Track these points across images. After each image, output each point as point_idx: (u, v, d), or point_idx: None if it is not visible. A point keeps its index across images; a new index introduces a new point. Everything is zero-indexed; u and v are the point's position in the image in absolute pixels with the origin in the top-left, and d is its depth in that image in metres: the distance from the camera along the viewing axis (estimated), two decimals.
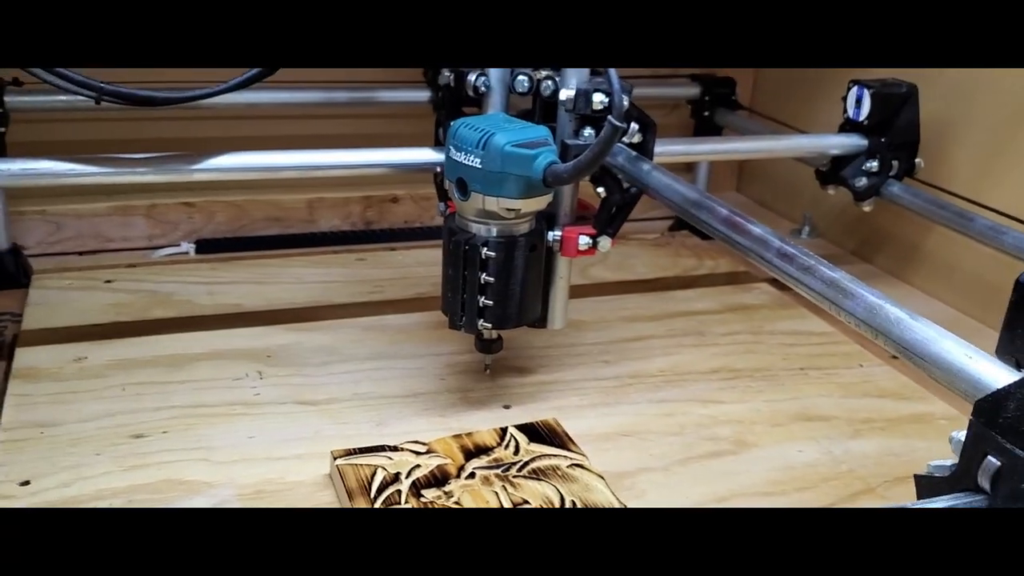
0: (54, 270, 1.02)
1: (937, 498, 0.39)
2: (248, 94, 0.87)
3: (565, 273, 0.81)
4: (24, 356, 0.83)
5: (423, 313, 0.96)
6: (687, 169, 1.29)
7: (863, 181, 0.95)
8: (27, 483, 0.67)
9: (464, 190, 0.72)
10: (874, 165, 0.95)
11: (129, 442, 0.72)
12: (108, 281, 0.99)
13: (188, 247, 1.11)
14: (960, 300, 1.00)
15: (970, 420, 0.40)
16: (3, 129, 0.93)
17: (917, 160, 0.96)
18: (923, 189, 0.96)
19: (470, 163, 0.70)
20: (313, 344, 0.89)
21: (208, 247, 1.11)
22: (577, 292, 1.03)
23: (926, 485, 0.41)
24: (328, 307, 0.97)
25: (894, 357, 0.94)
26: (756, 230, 0.58)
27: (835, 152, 0.97)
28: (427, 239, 1.19)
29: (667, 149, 0.86)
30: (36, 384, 0.79)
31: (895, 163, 0.95)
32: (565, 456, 0.71)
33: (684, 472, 0.74)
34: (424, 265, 1.09)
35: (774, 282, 1.10)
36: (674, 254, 1.17)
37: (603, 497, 0.67)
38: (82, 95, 0.66)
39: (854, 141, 0.96)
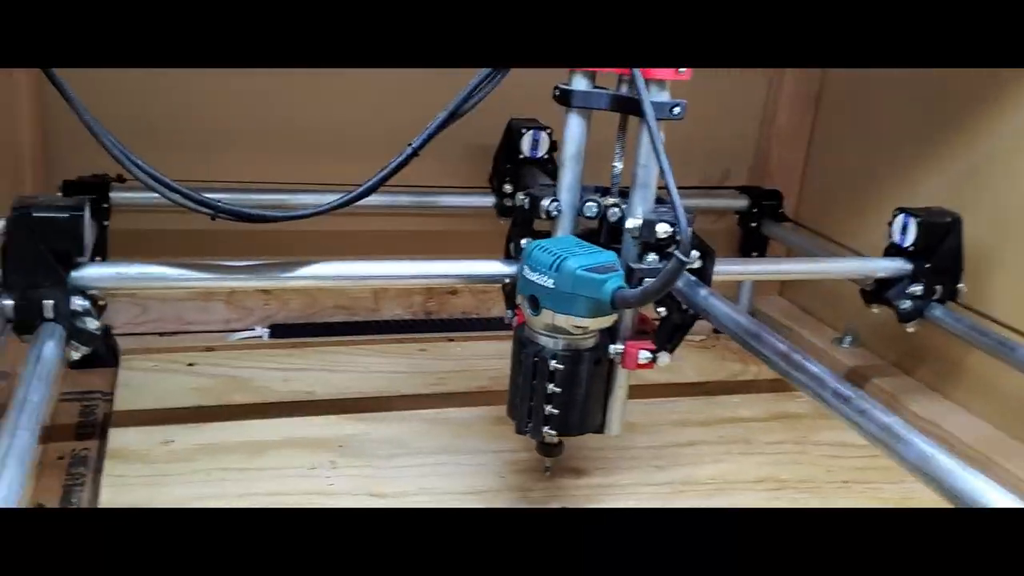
0: (139, 350, 1.09)
1: None
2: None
3: (624, 383, 0.86)
4: (117, 437, 0.89)
5: (484, 407, 1.01)
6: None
7: (907, 304, 1.00)
8: None
9: (536, 306, 0.78)
10: (918, 289, 1.00)
11: None
12: (190, 364, 1.06)
13: (262, 331, 1.18)
14: (1000, 418, 1.03)
15: None
16: (106, 223, 1.01)
17: (960, 286, 1.00)
18: (965, 314, 1.01)
19: (543, 283, 0.76)
20: (381, 436, 0.95)
21: (280, 331, 1.18)
22: (629, 393, 1.08)
23: None
24: (394, 398, 1.03)
25: None
26: (813, 368, 0.63)
27: (880, 275, 1.02)
28: (484, 330, 1.25)
29: (721, 269, 0.91)
30: (128, 465, 0.85)
31: (938, 288, 1.00)
32: None
33: None
34: (483, 358, 1.15)
35: None
36: (720, 357, 1.22)
37: None
38: (200, 212, 0.74)
39: (899, 265, 1.01)
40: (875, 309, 1.05)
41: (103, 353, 1.05)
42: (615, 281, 0.75)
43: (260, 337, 1.17)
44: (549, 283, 0.76)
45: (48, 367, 0.68)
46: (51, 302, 0.73)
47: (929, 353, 1.13)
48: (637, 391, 1.09)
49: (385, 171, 0.76)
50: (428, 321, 1.26)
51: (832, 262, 1.04)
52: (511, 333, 0.86)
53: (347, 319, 1.22)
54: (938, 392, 1.12)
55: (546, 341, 0.79)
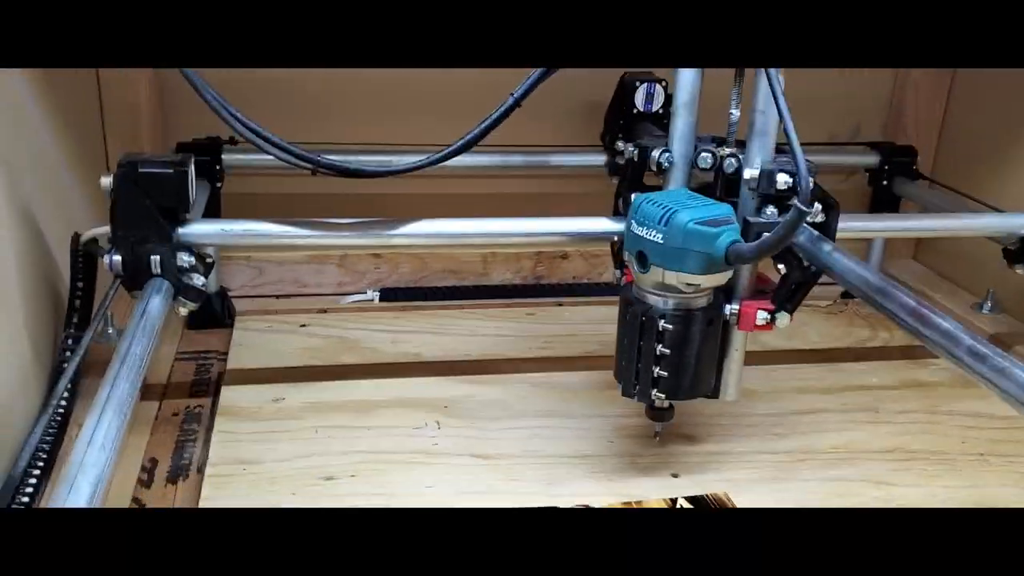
0: (255, 312, 1.11)
1: None
2: None
3: (740, 346, 0.82)
4: (229, 395, 0.91)
5: (591, 372, 0.98)
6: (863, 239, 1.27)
7: None
8: None
9: (644, 263, 0.74)
10: None
11: (320, 484, 0.78)
12: (303, 325, 1.07)
13: (373, 294, 1.18)
14: None
15: None
16: (219, 184, 1.03)
17: None
18: None
19: (651, 238, 0.73)
20: (486, 397, 0.93)
21: (390, 295, 1.18)
22: (748, 359, 1.03)
23: None
24: (500, 360, 1.01)
25: None
26: (945, 324, 0.57)
27: None
28: (595, 295, 1.22)
29: (847, 225, 0.85)
30: (239, 422, 0.86)
31: None
32: None
33: None
34: (592, 323, 1.12)
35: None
36: (847, 323, 1.15)
37: None
38: (300, 167, 0.73)
39: None
40: (1020, 270, 0.97)
41: (219, 314, 1.07)
42: (730, 235, 0.71)
43: (371, 300, 1.17)
44: (658, 238, 0.72)
45: (153, 321, 0.68)
46: (157, 257, 0.74)
47: None
48: (757, 357, 1.04)
49: (487, 121, 0.74)
50: (537, 286, 1.24)
51: (971, 218, 0.96)
52: None
53: (456, 284, 1.21)
54: None
55: (655, 300, 0.76)
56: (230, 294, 1.11)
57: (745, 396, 0.94)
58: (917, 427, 0.91)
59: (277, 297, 1.17)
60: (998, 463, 0.86)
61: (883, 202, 1.20)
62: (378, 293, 1.18)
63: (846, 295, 1.23)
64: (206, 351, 1.02)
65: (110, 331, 0.90)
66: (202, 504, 0.74)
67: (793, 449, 0.87)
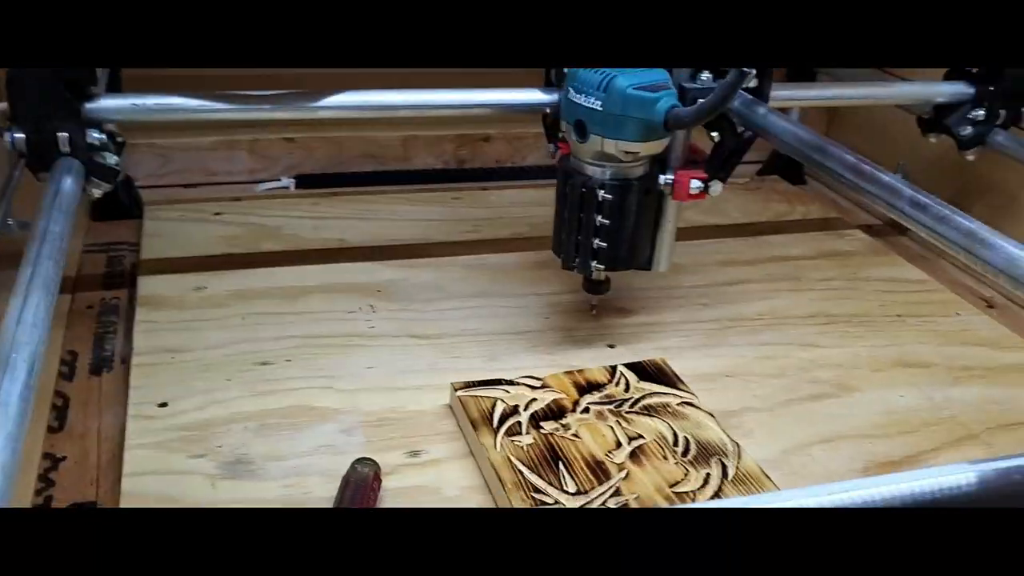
0: (164, 202, 1.05)
1: None
2: None
3: (673, 217, 0.82)
4: (147, 284, 0.87)
5: (522, 253, 0.98)
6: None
7: (968, 130, 0.94)
8: (165, 405, 0.71)
9: (583, 132, 0.73)
10: (980, 114, 0.94)
11: (256, 369, 0.76)
12: (217, 214, 1.03)
13: (288, 182, 1.13)
14: None
15: None
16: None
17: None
18: None
19: (590, 105, 0.71)
20: (419, 281, 0.91)
21: (307, 182, 1.14)
22: None
23: None
24: (430, 245, 0.99)
25: (990, 307, 0.95)
26: (886, 178, 0.58)
27: (941, 100, 0.96)
28: (518, 179, 1.20)
29: (774, 95, 0.85)
30: (161, 312, 0.82)
31: (1002, 112, 0.94)
32: (675, 394, 0.73)
33: (788, 413, 0.75)
34: (519, 205, 1.10)
35: (867, 228, 1.10)
36: (765, 199, 1.17)
37: (714, 434, 0.69)
38: None
39: (961, 89, 0.95)
40: (932, 139, 1.00)
41: (126, 203, 1.02)
42: (668, 100, 0.70)
43: (286, 188, 1.13)
44: (597, 105, 0.71)
45: (68, 200, 0.64)
46: (66, 135, 0.69)
47: (984, 189, 1.08)
48: (680, 233, 1.05)
49: None
50: (461, 170, 1.21)
51: (888, 87, 0.97)
52: (548, 182, 0.82)
53: (376, 169, 1.18)
54: (995, 228, 1.06)
55: (594, 171, 0.75)
56: (135, 184, 1.06)
57: (672, 270, 0.95)
58: (837, 293, 0.95)
59: (185, 187, 1.11)
60: (914, 323, 0.90)
61: (798, 77, 1.20)
62: (294, 180, 1.14)
63: (763, 172, 1.26)
64: (116, 242, 0.97)
65: (10, 222, 0.84)
66: (131, 393, 0.71)
67: (721, 317, 0.89)
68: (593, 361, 0.78)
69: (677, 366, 0.78)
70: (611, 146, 0.72)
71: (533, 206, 1.09)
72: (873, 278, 0.98)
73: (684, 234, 1.04)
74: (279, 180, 1.14)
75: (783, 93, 0.88)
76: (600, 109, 0.71)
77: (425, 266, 0.94)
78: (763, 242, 1.05)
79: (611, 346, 0.83)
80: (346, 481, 0.61)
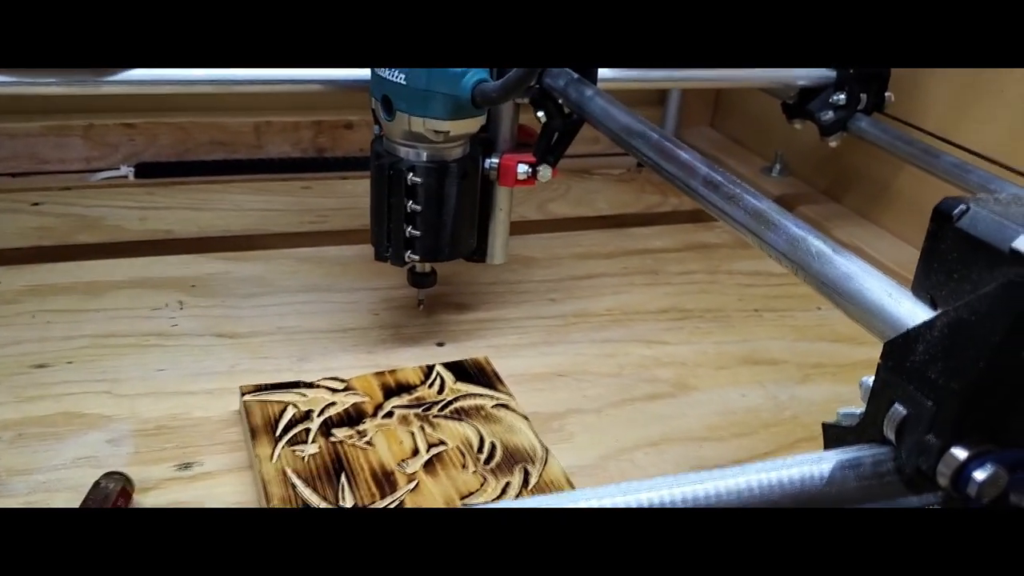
0: None
1: (840, 449, 0.35)
2: None
3: (505, 205, 0.76)
4: None
5: (365, 246, 0.90)
6: (659, 102, 1.23)
7: (830, 115, 0.90)
8: None
9: (390, 109, 0.67)
10: (841, 98, 0.90)
11: (30, 372, 0.68)
12: (35, 204, 0.94)
13: (127, 171, 1.05)
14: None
15: (878, 364, 0.35)
16: None
17: (887, 94, 0.90)
18: (892, 125, 0.91)
19: (395, 79, 0.65)
20: (242, 274, 0.85)
21: (149, 171, 1.06)
22: (532, 228, 0.99)
23: (832, 435, 0.37)
24: (264, 236, 0.93)
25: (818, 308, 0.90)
26: (684, 156, 0.53)
27: (802, 83, 0.91)
28: None
29: (614, 74, 0.80)
30: None
31: (863, 96, 0.90)
32: (491, 396, 0.67)
33: (617, 414, 0.70)
34: None
35: None
36: (638, 190, 1.12)
37: (525, 439, 0.63)
38: None
39: (822, 73, 0.90)
40: (798, 125, 0.95)
41: None
42: (476, 74, 0.64)
43: (125, 177, 1.05)
44: (401, 79, 0.65)
45: None
46: None
47: (858, 178, 1.04)
48: (542, 225, 1.00)
49: None
50: (320, 159, 1.14)
51: (746, 70, 0.93)
52: None
53: (226, 157, 1.10)
54: (867, 218, 1.03)
55: (405, 152, 0.69)
56: None
57: (523, 263, 0.90)
58: (695, 287, 0.90)
59: (13, 176, 1.03)
60: (771, 317, 0.85)
61: None
62: (132, 169, 1.06)
63: (641, 164, 1.21)
64: None
65: None
66: None
67: (566, 313, 0.83)
68: (416, 360, 0.72)
69: (508, 365, 0.72)
70: (418, 124, 0.66)
71: None
72: (736, 271, 0.93)
73: (544, 227, 1.00)
74: (117, 168, 1.06)
75: (626, 73, 0.83)
76: (405, 84, 0.65)
77: (253, 259, 0.87)
78: (626, 234, 0.99)
79: (440, 344, 0.77)
80: (86, 499, 0.54)
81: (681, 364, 0.77)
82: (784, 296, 0.89)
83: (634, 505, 0.33)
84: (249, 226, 0.94)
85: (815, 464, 0.35)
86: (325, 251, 0.91)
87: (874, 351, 0.81)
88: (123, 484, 0.55)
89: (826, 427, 0.38)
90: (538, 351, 0.77)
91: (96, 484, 0.54)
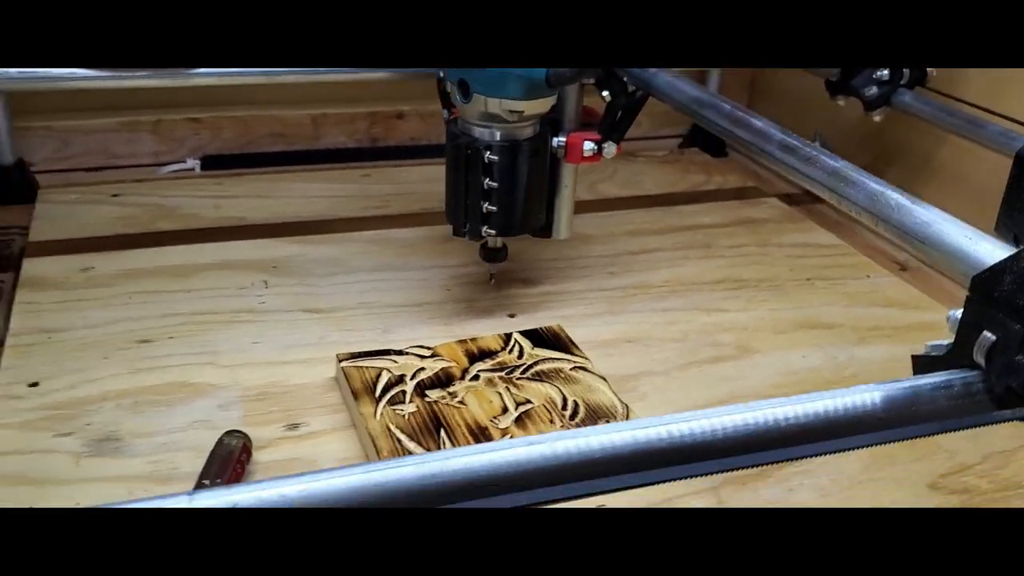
0: (60, 185, 1.02)
1: (931, 375, 0.39)
2: None
3: (570, 181, 0.80)
4: (31, 266, 0.83)
5: (429, 228, 0.96)
6: (699, 81, 1.27)
7: (873, 90, 0.93)
8: (35, 384, 0.68)
9: (466, 92, 0.71)
10: (885, 74, 0.93)
11: (136, 347, 0.73)
12: (115, 195, 0.99)
13: (194, 163, 1.10)
14: (971, 212, 0.98)
15: (967, 296, 0.39)
16: None
17: (929, 68, 0.94)
18: (935, 98, 0.94)
19: None
20: (319, 256, 0.89)
21: (213, 163, 1.11)
22: (585, 208, 1.03)
23: (922, 363, 0.41)
24: (333, 221, 0.97)
25: (903, 270, 0.94)
26: (758, 124, 0.57)
27: None
28: (433, 156, 1.18)
29: None
30: (43, 292, 0.79)
31: (906, 71, 0.93)
32: (568, 359, 0.72)
33: (685, 376, 0.74)
34: (430, 182, 1.08)
35: (785, 197, 1.10)
36: (683, 170, 1.16)
37: (605, 398, 0.67)
38: None
39: None
40: (841, 101, 0.99)
41: (19, 187, 0.98)
42: None
43: (192, 169, 1.10)
44: None
45: None
46: None
47: (900, 153, 1.07)
48: (594, 205, 1.04)
49: None
50: (374, 148, 1.18)
51: None
52: None
53: (285, 149, 1.15)
54: (910, 192, 1.06)
55: (480, 132, 0.73)
56: (32, 169, 1.02)
57: (580, 240, 0.94)
58: (747, 259, 0.93)
59: (87, 170, 1.08)
60: (823, 285, 0.89)
61: None
62: (199, 162, 1.11)
63: (683, 145, 1.25)
64: (5, 227, 0.94)
65: None
66: (2, 373, 0.68)
67: (626, 285, 0.87)
68: (490, 331, 0.76)
69: (577, 334, 0.76)
70: (495, 105, 0.70)
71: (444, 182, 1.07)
72: (786, 244, 0.97)
73: (596, 206, 1.04)
74: (184, 161, 1.10)
75: None
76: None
77: (326, 241, 0.92)
78: (676, 212, 1.03)
79: (512, 315, 0.81)
80: (212, 454, 0.58)
81: (741, 329, 0.81)
82: (834, 266, 0.93)
83: (751, 422, 0.37)
84: (317, 212, 0.98)
85: (908, 385, 0.39)
86: (391, 233, 0.95)
87: (925, 315, 0.85)
88: (244, 441, 0.59)
89: (915, 357, 0.42)
90: (603, 320, 0.81)
91: (220, 441, 0.59)
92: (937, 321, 0.83)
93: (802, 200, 1.10)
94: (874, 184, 0.48)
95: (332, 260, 0.88)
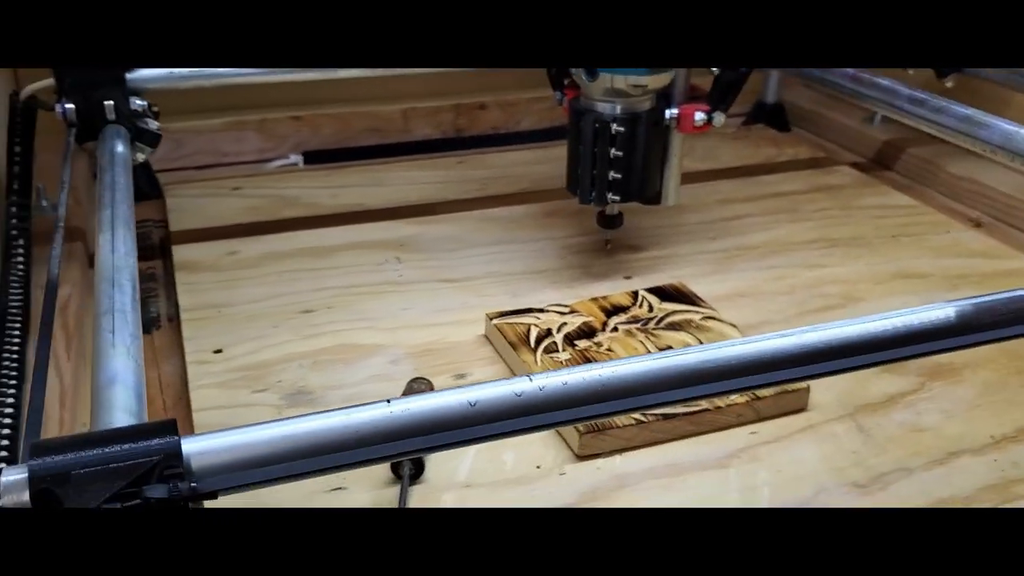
0: (179, 183, 1.09)
1: None
2: None
3: (678, 151, 0.87)
4: (181, 252, 0.90)
5: (531, 205, 1.02)
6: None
7: None
8: (220, 351, 0.75)
9: (592, 71, 0.78)
10: None
11: (300, 316, 0.80)
12: (235, 188, 1.06)
13: (296, 158, 1.17)
14: None
15: None
16: None
17: None
18: None
19: None
20: (438, 234, 0.96)
21: (315, 158, 1.18)
22: None
23: None
24: (441, 203, 1.04)
25: (978, 226, 1.00)
26: (884, 82, 0.64)
27: None
28: (514, 143, 1.25)
29: None
30: (200, 274, 0.86)
31: None
32: (697, 311, 0.78)
33: (803, 323, 0.79)
34: (521, 165, 1.15)
35: (854, 165, 1.16)
36: (754, 145, 1.23)
37: None
38: None
39: None
40: (911, 71, 1.05)
41: (145, 185, 1.05)
42: None
43: (295, 164, 1.17)
44: None
45: (123, 159, 0.68)
46: (112, 102, 0.73)
47: None
48: (682, 178, 1.11)
49: None
50: (460, 138, 1.25)
51: None
52: (544, 144, 0.87)
53: (380, 142, 1.22)
54: (974, 155, 1.12)
55: (604, 107, 0.80)
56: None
57: (676, 210, 1.00)
58: (834, 220, 1.00)
59: (197, 168, 1.15)
60: (908, 241, 0.95)
61: None
62: (301, 156, 1.18)
63: (747, 122, 1.31)
64: (141, 220, 1.00)
65: (44, 203, 0.88)
66: (186, 344, 0.75)
67: (728, 248, 0.94)
68: (614, 291, 0.83)
69: (694, 287, 0.82)
70: (620, 81, 0.77)
71: (533, 165, 1.14)
72: (866, 206, 1.04)
73: (683, 178, 1.10)
74: (288, 157, 1.17)
75: None
76: None
77: (442, 221, 0.99)
78: (757, 181, 1.10)
79: (628, 278, 0.88)
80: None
81: (843, 281, 0.87)
82: (913, 224, 0.99)
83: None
84: (425, 196, 1.05)
85: None
86: (496, 212, 1.02)
87: (1007, 263, 0.91)
88: (430, 385, 0.66)
89: None
90: (714, 279, 0.88)
91: (409, 386, 0.66)
92: (1019, 268, 0.90)
93: (871, 168, 1.16)
94: (1007, 125, 0.54)
95: (451, 238, 0.95)
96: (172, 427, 0.35)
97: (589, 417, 0.38)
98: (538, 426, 0.37)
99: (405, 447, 0.36)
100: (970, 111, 0.57)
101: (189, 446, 0.35)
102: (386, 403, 0.36)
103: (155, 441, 0.34)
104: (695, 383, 0.40)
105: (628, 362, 0.40)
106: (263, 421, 0.38)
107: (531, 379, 0.37)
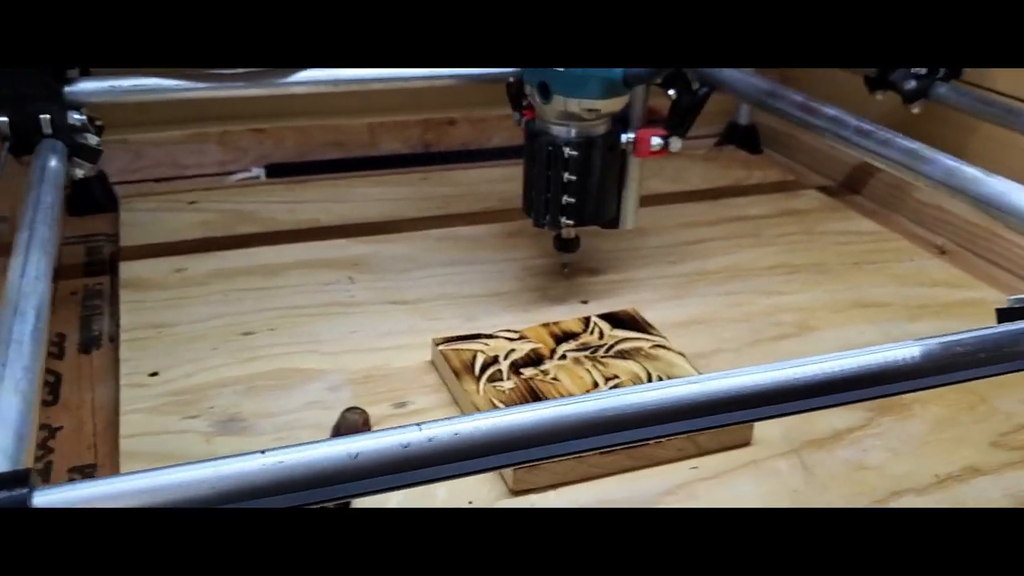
0: (136, 195, 1.07)
1: (1014, 322, 0.44)
2: None
3: (637, 175, 0.85)
4: (128, 268, 0.88)
5: (493, 225, 1.01)
6: None
7: (912, 83, 0.99)
8: (155, 374, 0.73)
9: (546, 94, 0.76)
10: (922, 69, 0.98)
11: (241, 338, 0.78)
12: (192, 203, 1.05)
13: (258, 171, 1.16)
14: None
15: None
16: None
17: None
18: (970, 89, 1.00)
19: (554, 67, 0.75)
20: (394, 253, 0.94)
21: (277, 171, 1.16)
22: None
23: (1004, 315, 0.46)
24: (400, 221, 1.02)
25: (942, 253, 0.99)
26: (831, 111, 0.62)
27: None
28: (484, 160, 1.23)
29: None
30: (145, 292, 0.84)
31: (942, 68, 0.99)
32: (647, 339, 0.77)
33: (754, 352, 0.79)
34: (488, 182, 1.13)
35: (822, 189, 1.15)
36: (724, 167, 1.21)
37: (686, 372, 0.72)
38: None
39: None
40: (879, 96, 1.04)
41: (100, 198, 1.04)
42: None
43: (256, 177, 1.15)
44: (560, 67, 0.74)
45: (54, 176, 0.66)
46: (48, 116, 0.71)
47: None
48: (646, 200, 1.09)
49: None
50: (427, 154, 1.24)
51: None
52: (514, 160, 0.86)
53: (343, 156, 1.20)
54: None
55: (559, 130, 0.78)
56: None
57: (637, 233, 0.99)
58: (797, 246, 0.99)
59: (157, 181, 1.13)
60: (870, 269, 0.94)
61: None
62: (263, 170, 1.16)
63: (719, 143, 1.30)
64: (93, 234, 0.99)
65: None
66: (122, 365, 0.73)
67: (688, 272, 0.92)
68: (568, 316, 0.81)
69: (649, 316, 0.81)
70: (574, 104, 0.75)
71: (500, 183, 1.12)
72: (830, 231, 1.02)
73: (648, 201, 1.08)
74: (249, 170, 1.16)
75: None
76: (563, 70, 0.74)
77: (399, 240, 0.97)
78: (723, 204, 1.09)
79: (584, 302, 0.86)
80: (337, 428, 0.63)
81: (800, 309, 0.86)
82: (878, 250, 0.98)
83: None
84: (384, 213, 1.04)
85: (993, 331, 0.44)
86: (457, 231, 1.00)
87: (969, 292, 0.90)
88: (364, 416, 0.64)
89: (1000, 311, 0.47)
90: (671, 304, 0.86)
91: (343, 416, 0.64)
92: (981, 298, 0.89)
93: (839, 192, 1.15)
94: (949, 161, 0.53)
95: (407, 257, 0.94)
96: (25, 478, 0.33)
97: (482, 470, 0.36)
98: (425, 480, 0.35)
99: (278, 503, 0.34)
100: (915, 145, 0.56)
101: (42, 498, 0.33)
102: (260, 453, 0.34)
103: (2, 494, 0.32)
104: (606, 431, 0.39)
105: (527, 409, 0.39)
106: (126, 472, 0.36)
107: (420, 428, 0.35)
